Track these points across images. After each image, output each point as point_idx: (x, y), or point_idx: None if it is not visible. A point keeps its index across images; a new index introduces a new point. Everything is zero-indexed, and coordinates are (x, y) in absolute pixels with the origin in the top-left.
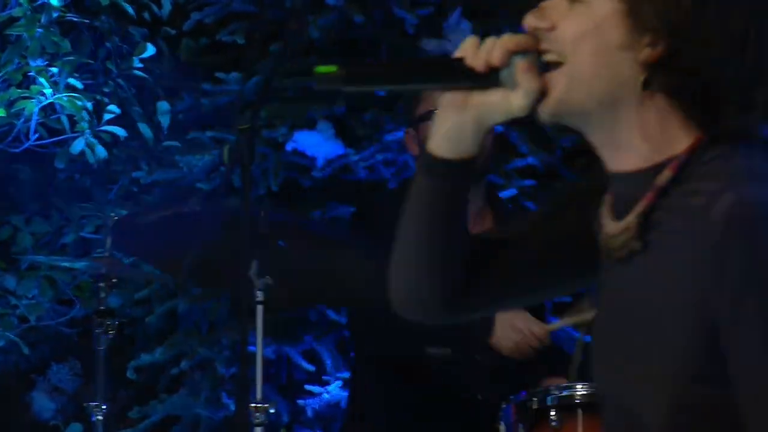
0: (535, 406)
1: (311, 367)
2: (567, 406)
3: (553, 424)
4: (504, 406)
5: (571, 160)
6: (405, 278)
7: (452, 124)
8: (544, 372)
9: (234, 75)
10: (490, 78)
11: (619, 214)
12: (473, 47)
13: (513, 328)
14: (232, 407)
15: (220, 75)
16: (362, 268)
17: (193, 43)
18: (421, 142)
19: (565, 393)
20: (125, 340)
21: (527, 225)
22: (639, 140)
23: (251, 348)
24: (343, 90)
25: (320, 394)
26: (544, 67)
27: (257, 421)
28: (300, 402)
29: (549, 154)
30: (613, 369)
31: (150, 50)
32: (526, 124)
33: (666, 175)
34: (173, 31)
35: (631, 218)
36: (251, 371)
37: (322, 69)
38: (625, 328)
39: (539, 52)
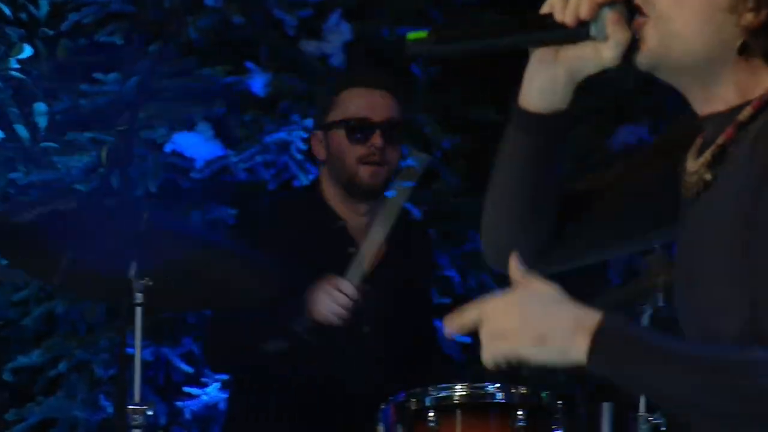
0: (413, 407)
1: (190, 369)
2: (445, 407)
3: (431, 424)
4: (383, 407)
5: (451, 161)
6: (499, 230)
7: (545, 79)
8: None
9: (113, 76)
10: (580, 31)
11: (701, 153)
12: (561, 2)
13: (321, 293)
14: (110, 409)
15: (98, 76)
16: (244, 273)
17: (71, 43)
18: (328, 148)
19: (443, 394)
20: (1, 342)
21: (615, 177)
22: (731, 92)
23: (129, 350)
24: (436, 53)
25: (199, 395)
26: (631, 16)
27: (135, 423)
28: (178, 404)
29: (429, 156)
30: (690, 305)
31: (27, 51)
32: (406, 125)
33: (747, 110)
34: (51, 32)
35: (708, 153)
36: (129, 373)
37: (413, 35)
38: (696, 261)
39: (626, 3)
